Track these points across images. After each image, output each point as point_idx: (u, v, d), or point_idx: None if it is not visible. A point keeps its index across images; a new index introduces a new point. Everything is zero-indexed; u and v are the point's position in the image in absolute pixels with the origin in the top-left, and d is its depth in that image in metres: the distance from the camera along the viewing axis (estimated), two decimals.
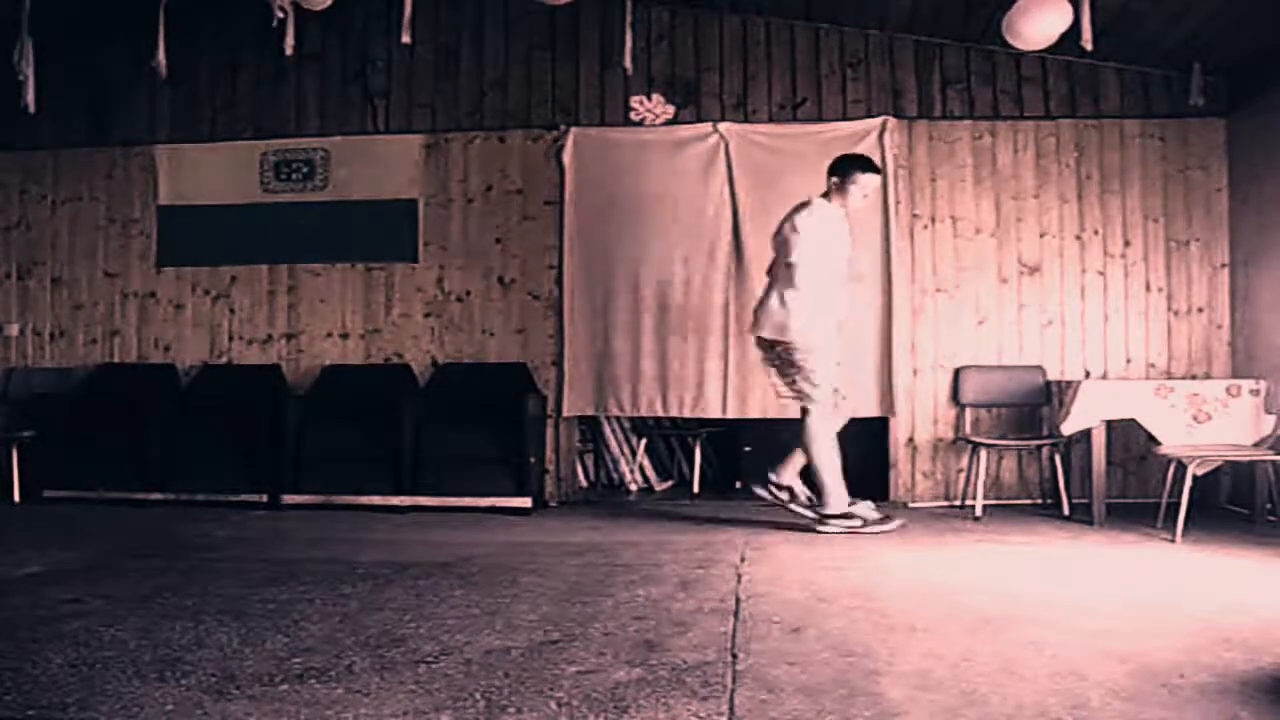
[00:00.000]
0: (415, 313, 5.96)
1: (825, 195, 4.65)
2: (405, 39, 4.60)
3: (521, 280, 5.88)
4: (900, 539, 4.45)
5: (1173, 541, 4.26)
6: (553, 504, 5.65)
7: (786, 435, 4.81)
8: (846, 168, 4.62)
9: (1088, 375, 5.46)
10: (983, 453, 5.19)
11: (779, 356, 4.63)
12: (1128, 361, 5.52)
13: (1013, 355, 5.57)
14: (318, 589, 3.36)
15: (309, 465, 5.45)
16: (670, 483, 6.34)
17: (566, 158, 5.80)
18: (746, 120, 5.75)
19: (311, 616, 2.98)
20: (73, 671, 2.42)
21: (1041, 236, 5.59)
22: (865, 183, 4.62)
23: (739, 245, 5.62)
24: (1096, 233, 5.57)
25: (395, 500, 5.32)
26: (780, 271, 4.62)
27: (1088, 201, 5.57)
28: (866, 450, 5.84)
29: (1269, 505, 4.77)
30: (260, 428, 5.49)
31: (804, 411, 4.60)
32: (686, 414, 5.73)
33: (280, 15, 4.62)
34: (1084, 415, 4.71)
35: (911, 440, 5.59)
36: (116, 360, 6.15)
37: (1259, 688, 2.29)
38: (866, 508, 4.65)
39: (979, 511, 5.05)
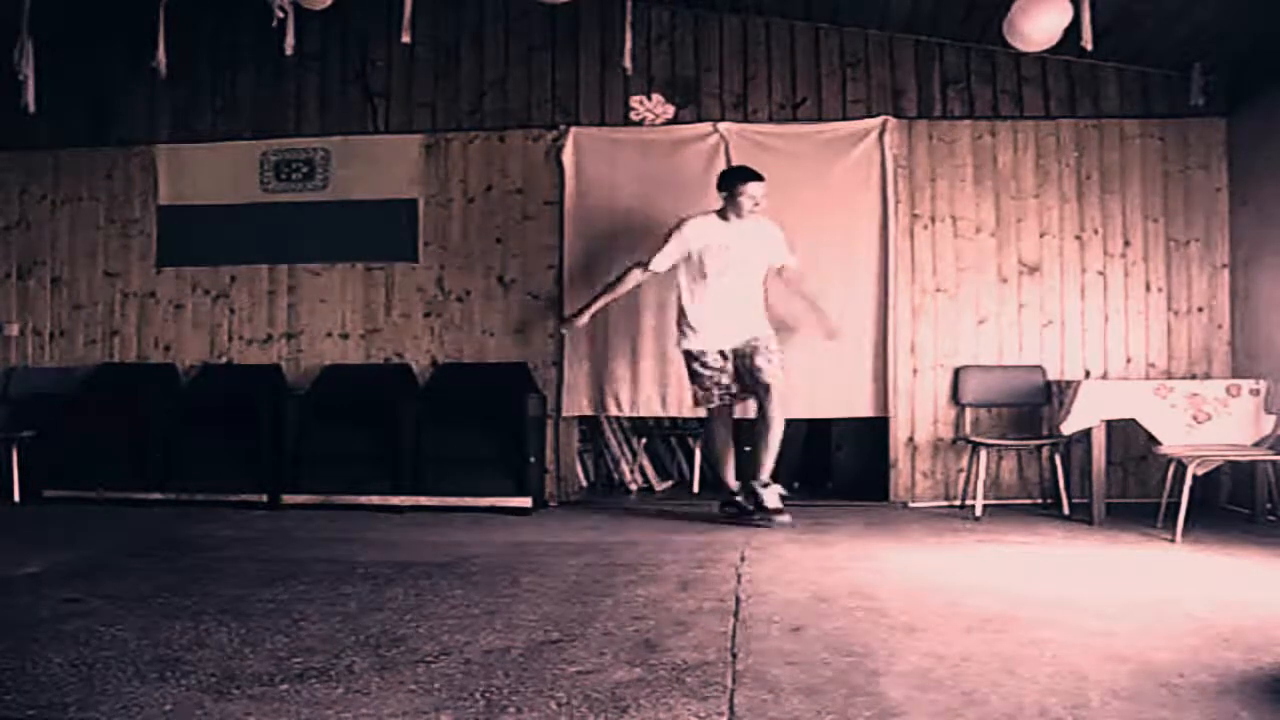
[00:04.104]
0: (415, 313, 5.96)
1: (720, 212, 4.92)
2: (405, 39, 4.59)
3: (521, 280, 5.88)
4: (900, 539, 4.45)
5: (1173, 541, 4.26)
6: (553, 504, 5.65)
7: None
8: (730, 181, 4.89)
9: (1088, 375, 5.47)
10: (983, 453, 5.19)
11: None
12: (1128, 361, 5.52)
13: (1013, 355, 5.57)
14: (318, 589, 3.36)
15: (309, 465, 5.45)
16: (670, 483, 6.34)
17: (566, 158, 5.80)
18: (746, 120, 5.75)
19: (311, 616, 2.98)
20: (73, 671, 2.42)
21: (1041, 236, 5.59)
22: (751, 191, 4.82)
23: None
24: (1096, 232, 5.56)
25: (395, 500, 5.32)
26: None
27: (1088, 201, 5.57)
28: (867, 450, 5.87)
29: (1269, 505, 4.77)
30: (260, 428, 5.48)
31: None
32: (686, 414, 5.73)
33: (280, 15, 4.62)
34: (1084, 415, 4.71)
35: (911, 440, 5.59)
36: (116, 360, 6.15)
37: (1259, 688, 2.29)
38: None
39: (979, 511, 5.05)
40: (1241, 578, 3.62)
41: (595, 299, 5.18)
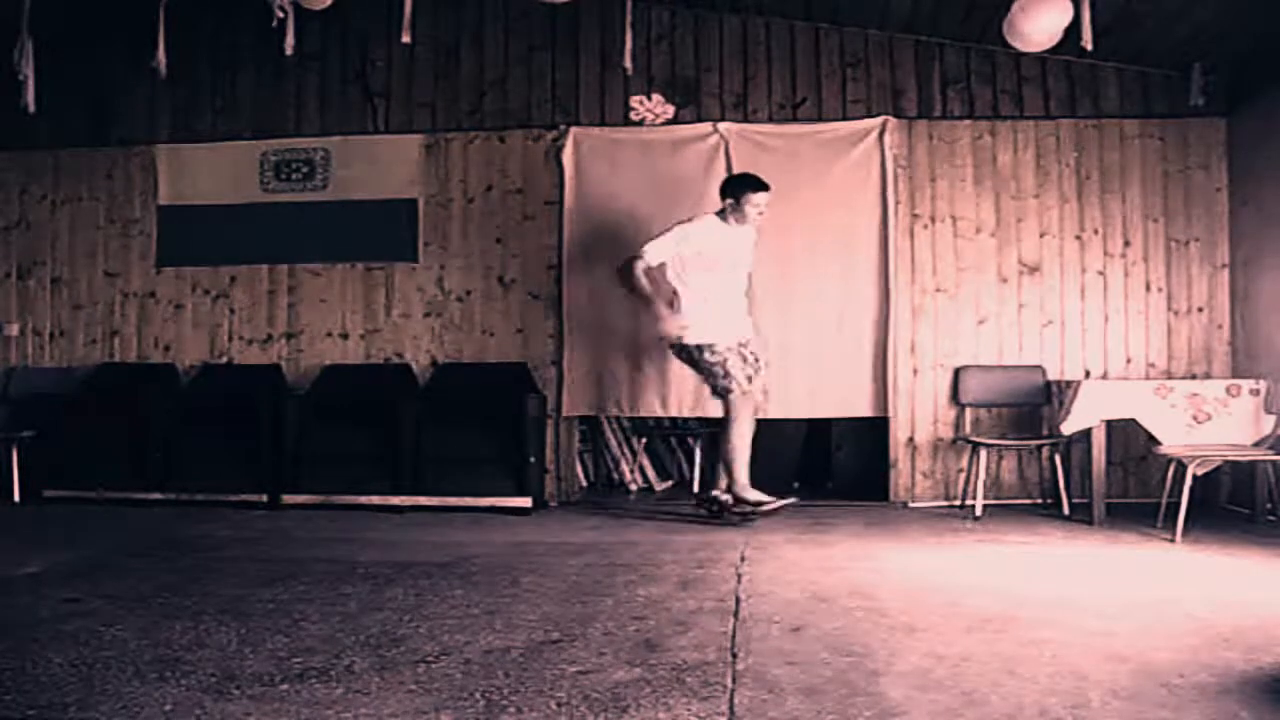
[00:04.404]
0: (415, 313, 5.95)
1: (720, 214, 4.88)
2: (405, 39, 4.59)
3: (521, 280, 5.88)
4: (900, 539, 4.45)
5: (1173, 541, 4.26)
6: (553, 504, 5.65)
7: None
8: (738, 189, 4.85)
9: (1088, 375, 5.47)
10: (983, 453, 5.19)
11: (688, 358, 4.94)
12: (1128, 361, 5.52)
13: (1013, 355, 5.56)
14: (318, 589, 3.36)
15: (309, 465, 5.45)
16: (670, 483, 6.34)
17: (566, 158, 5.80)
18: (746, 120, 5.75)
19: (311, 616, 2.98)
20: (73, 671, 2.42)
21: (1041, 236, 5.59)
22: (759, 201, 4.82)
23: None
24: (1096, 232, 5.56)
25: (395, 500, 5.32)
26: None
27: (1088, 201, 5.57)
28: (867, 450, 5.87)
29: (1269, 505, 4.77)
30: (260, 428, 5.48)
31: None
32: (686, 414, 5.73)
33: (280, 15, 4.62)
34: (1084, 415, 4.71)
35: (911, 440, 5.59)
36: (116, 360, 6.15)
37: (1259, 688, 2.29)
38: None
39: (979, 511, 5.05)
40: (1241, 578, 3.62)
41: (651, 302, 4.87)
